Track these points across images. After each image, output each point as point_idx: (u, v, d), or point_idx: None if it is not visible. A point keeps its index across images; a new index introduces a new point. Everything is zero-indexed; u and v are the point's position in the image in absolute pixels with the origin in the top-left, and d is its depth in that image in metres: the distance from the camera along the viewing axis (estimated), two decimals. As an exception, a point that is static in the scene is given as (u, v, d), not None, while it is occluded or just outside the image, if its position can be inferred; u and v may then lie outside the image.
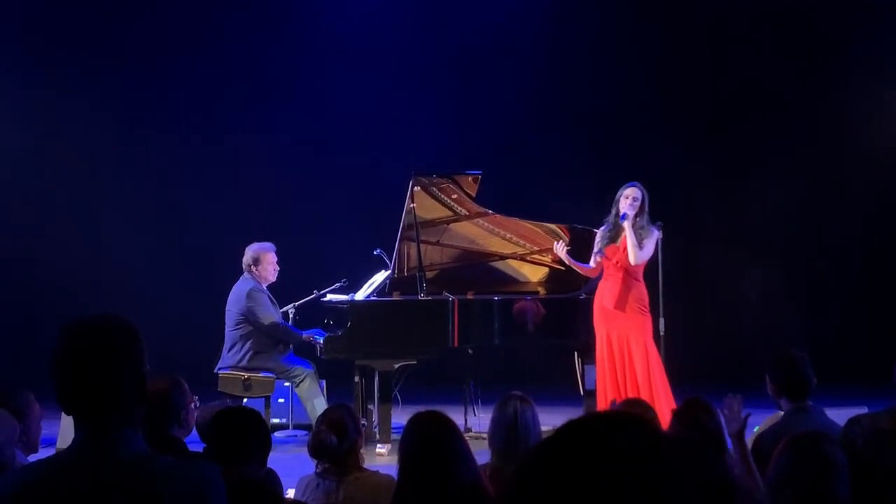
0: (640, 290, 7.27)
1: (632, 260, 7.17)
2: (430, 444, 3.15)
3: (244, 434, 3.37)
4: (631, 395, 6.81)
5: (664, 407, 6.45)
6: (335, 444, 3.74)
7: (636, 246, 7.15)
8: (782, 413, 4.22)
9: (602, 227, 7.39)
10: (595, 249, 7.37)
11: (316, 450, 3.79)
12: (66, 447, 2.04)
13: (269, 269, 7.81)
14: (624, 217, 7.16)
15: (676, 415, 3.77)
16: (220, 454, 3.32)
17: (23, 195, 11.26)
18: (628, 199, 7.21)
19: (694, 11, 11.47)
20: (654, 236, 7.25)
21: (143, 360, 2.04)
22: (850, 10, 11.41)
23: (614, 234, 7.29)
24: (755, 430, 4.64)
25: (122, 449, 1.97)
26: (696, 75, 11.63)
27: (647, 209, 7.26)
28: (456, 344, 7.50)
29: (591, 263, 7.40)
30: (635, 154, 11.32)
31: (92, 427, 1.98)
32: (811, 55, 11.53)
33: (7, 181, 11.19)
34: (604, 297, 7.30)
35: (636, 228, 7.19)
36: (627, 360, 7.13)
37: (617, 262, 7.25)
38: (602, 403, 7.14)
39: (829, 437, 3.10)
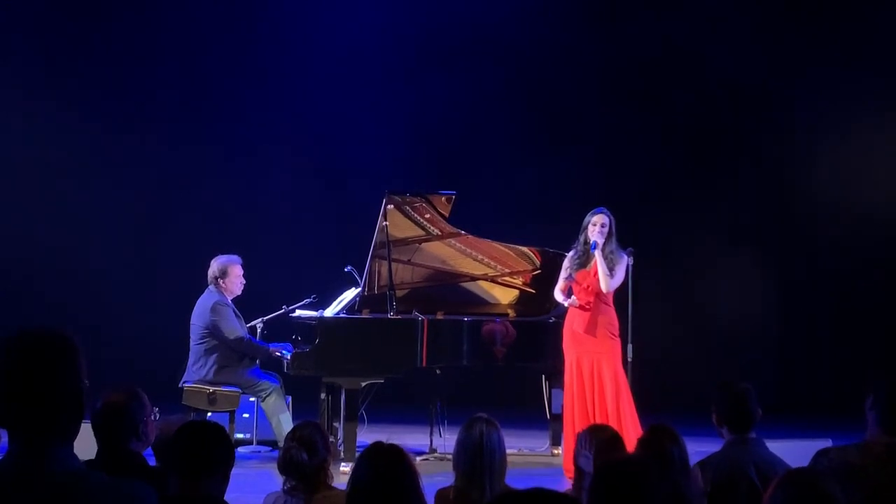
0: (611, 316, 7.27)
1: (604, 288, 7.17)
2: (382, 479, 3.12)
3: (207, 449, 3.32)
4: (599, 420, 6.81)
5: (631, 434, 6.44)
6: (305, 460, 3.71)
7: (607, 275, 7.16)
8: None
9: (571, 252, 7.40)
10: (564, 275, 7.37)
11: (285, 466, 3.75)
12: None
13: (236, 282, 7.77)
14: (594, 246, 7.17)
15: (642, 442, 3.77)
16: (182, 469, 3.27)
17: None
18: (596, 227, 7.22)
19: (663, 18, 11.53)
20: (623, 262, 7.27)
21: (80, 376, 2.00)
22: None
23: (584, 260, 7.30)
24: None
25: (53, 465, 1.93)
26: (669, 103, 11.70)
27: (615, 234, 7.28)
28: (424, 364, 7.48)
29: (559, 289, 7.39)
30: (608, 175, 11.38)
31: (23, 441, 1.95)
32: (792, 55, 11.58)
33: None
34: (574, 322, 7.30)
35: (606, 255, 7.22)
36: (597, 385, 7.11)
37: (588, 287, 7.25)
38: (569, 428, 7.13)
39: (829, 475, 3.09)
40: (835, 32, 11.42)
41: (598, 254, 7.16)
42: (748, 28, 11.50)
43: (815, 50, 11.43)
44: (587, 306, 7.23)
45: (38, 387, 1.95)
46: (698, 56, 11.40)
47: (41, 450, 1.94)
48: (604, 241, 7.20)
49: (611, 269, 7.18)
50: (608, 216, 7.26)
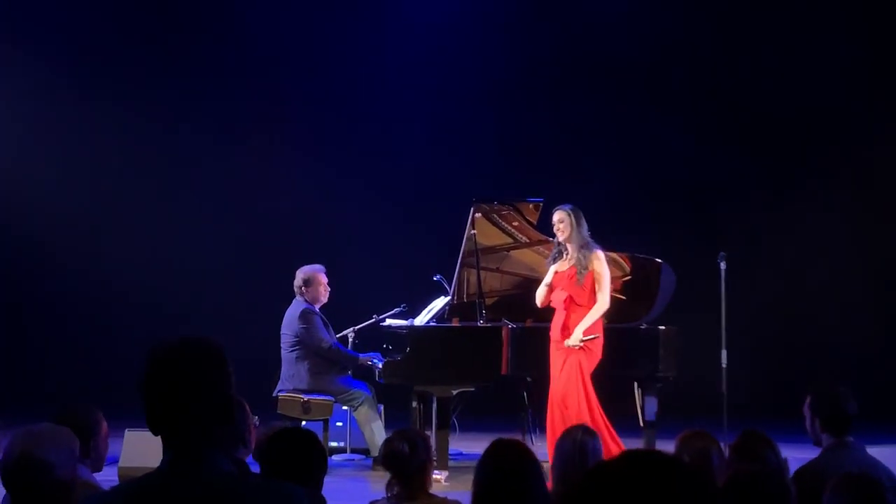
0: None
1: (605, 303, 6.96)
2: (510, 474, 3.13)
3: (299, 456, 3.36)
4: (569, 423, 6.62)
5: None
6: (406, 453, 3.73)
7: (600, 292, 6.95)
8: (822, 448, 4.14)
9: (551, 255, 7.23)
10: (546, 279, 7.19)
11: (388, 458, 3.78)
12: (155, 466, 2.06)
13: (320, 290, 7.87)
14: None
15: (735, 449, 3.71)
16: (274, 476, 3.31)
17: (92, 210, 11.48)
18: (554, 226, 7.05)
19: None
20: (599, 260, 6.99)
21: (229, 382, 2.07)
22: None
23: (558, 261, 7.14)
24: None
25: (210, 469, 2.00)
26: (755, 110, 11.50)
27: (578, 229, 6.98)
28: (505, 371, 7.37)
29: (538, 293, 7.19)
30: (693, 182, 11.24)
31: (179, 448, 2.01)
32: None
33: (74, 196, 11.41)
34: (552, 328, 7.12)
35: (576, 259, 6.96)
36: (567, 388, 6.88)
37: (562, 290, 7.08)
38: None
39: (881, 480, 3.06)
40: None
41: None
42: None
43: None
44: (560, 301, 7.03)
45: (190, 394, 2.02)
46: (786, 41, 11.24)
47: (197, 455, 2.00)
48: (564, 238, 7.00)
49: (585, 269, 6.93)
50: (565, 211, 7.02)
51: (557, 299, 7.07)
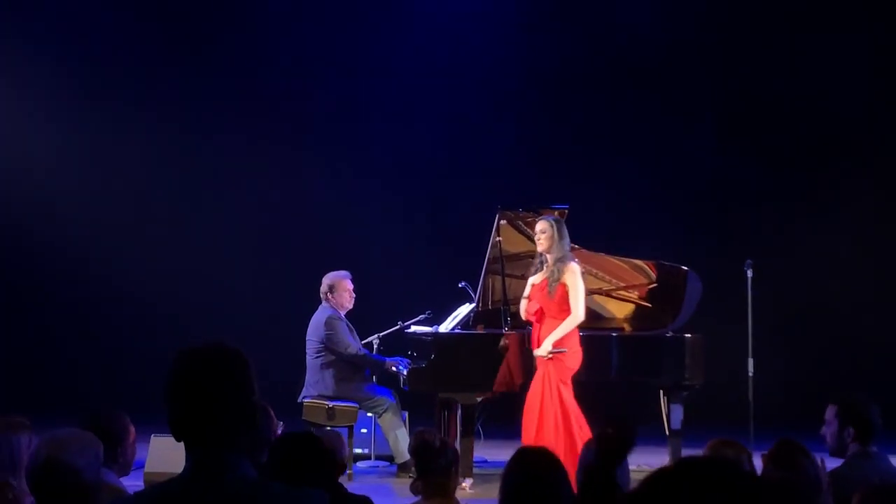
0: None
1: (578, 316, 6.87)
2: (537, 481, 3.13)
3: (301, 459, 3.33)
4: (546, 436, 6.53)
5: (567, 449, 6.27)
6: (437, 446, 3.72)
7: (573, 305, 6.85)
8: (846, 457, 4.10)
9: (534, 267, 7.17)
10: (524, 293, 7.15)
11: (418, 447, 3.77)
12: (178, 472, 2.06)
13: (345, 296, 7.90)
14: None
15: (770, 457, 3.66)
16: (276, 479, 3.30)
17: (119, 216, 11.56)
18: (536, 236, 7.00)
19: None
20: (572, 273, 6.89)
21: (253, 388, 2.08)
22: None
23: (536, 272, 7.08)
24: None
25: (233, 475, 2.00)
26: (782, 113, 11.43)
27: (559, 241, 6.89)
28: (521, 379, 7.34)
29: (521, 307, 7.14)
30: (718, 188, 11.18)
31: (202, 453, 2.02)
32: None
33: (98, 200, 11.50)
34: (532, 340, 7.06)
35: (549, 272, 6.87)
36: (540, 401, 6.78)
37: (535, 301, 7.01)
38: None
39: None
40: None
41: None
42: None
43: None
44: (535, 312, 6.97)
45: (214, 400, 2.02)
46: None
47: (220, 460, 2.00)
48: (543, 249, 6.92)
49: (557, 281, 6.85)
50: (549, 223, 6.96)
51: (531, 311, 7.04)
